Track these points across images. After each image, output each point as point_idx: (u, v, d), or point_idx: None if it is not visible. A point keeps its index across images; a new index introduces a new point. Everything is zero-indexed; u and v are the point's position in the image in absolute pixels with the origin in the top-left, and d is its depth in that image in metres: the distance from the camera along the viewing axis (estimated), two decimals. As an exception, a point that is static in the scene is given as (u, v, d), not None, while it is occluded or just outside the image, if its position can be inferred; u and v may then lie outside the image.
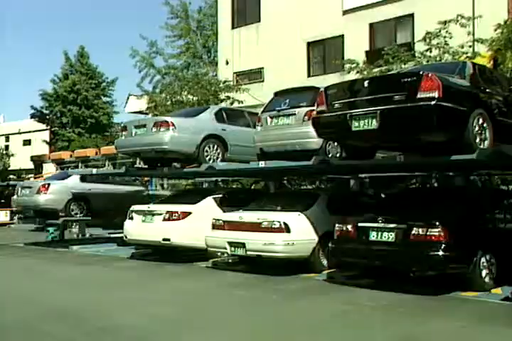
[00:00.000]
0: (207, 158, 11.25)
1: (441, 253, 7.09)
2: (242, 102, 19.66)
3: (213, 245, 9.85)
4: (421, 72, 7.20)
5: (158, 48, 28.39)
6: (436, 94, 6.86)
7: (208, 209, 10.80)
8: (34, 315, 6.44)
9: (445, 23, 13.84)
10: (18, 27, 76.32)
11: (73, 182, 14.64)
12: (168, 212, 10.67)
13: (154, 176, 14.76)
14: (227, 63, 22.88)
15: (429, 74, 7.02)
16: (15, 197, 15.88)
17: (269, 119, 10.46)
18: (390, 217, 7.78)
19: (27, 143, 43.93)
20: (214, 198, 11.20)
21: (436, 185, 13.71)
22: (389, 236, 7.57)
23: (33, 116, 34.23)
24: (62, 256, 12.50)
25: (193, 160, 11.37)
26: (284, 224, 8.97)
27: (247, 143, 11.12)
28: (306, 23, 19.94)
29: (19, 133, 42.63)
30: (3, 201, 22.82)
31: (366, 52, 18.19)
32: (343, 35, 19.32)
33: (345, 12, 19.31)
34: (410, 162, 8.21)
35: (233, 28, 22.98)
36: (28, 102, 71.09)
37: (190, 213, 10.62)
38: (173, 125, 10.96)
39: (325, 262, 9.32)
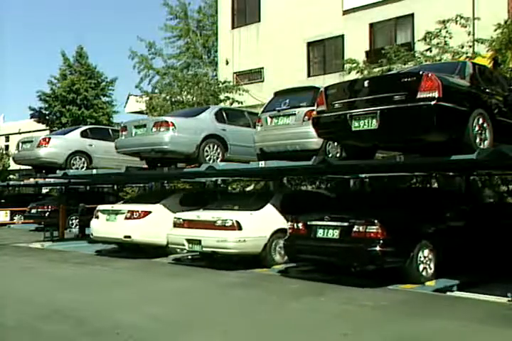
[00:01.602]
0: (207, 158, 11.27)
1: (378, 248, 7.65)
2: (241, 102, 19.66)
3: (174, 242, 10.55)
4: (421, 72, 7.19)
5: (157, 49, 28.30)
6: (436, 94, 6.86)
7: (168, 208, 11.50)
8: (33, 315, 6.45)
9: (444, 22, 13.84)
10: (18, 26, 76.33)
11: (74, 137, 14.73)
12: (129, 211, 11.53)
13: (154, 176, 14.71)
14: (227, 63, 22.88)
15: (429, 74, 7.02)
16: (15, 152, 15.79)
17: (269, 119, 10.46)
18: (336, 215, 8.39)
19: (27, 143, 43.71)
20: (174, 198, 12.01)
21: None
22: (333, 234, 8.21)
23: (32, 117, 34.17)
24: (62, 256, 12.51)
25: (193, 160, 11.37)
26: (236, 222, 9.62)
27: (247, 143, 11.14)
28: (306, 23, 19.92)
29: (19, 133, 42.59)
30: (3, 201, 22.83)
31: (366, 52, 18.17)
32: (343, 35, 19.30)
33: (345, 12, 19.29)
34: (410, 162, 8.21)
35: (233, 27, 22.97)
36: (28, 102, 71.08)
37: (150, 212, 11.42)
38: (173, 125, 10.96)
39: (276, 257, 9.97)
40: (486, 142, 7.47)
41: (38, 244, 14.59)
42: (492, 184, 14.53)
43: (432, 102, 6.85)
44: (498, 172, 12.69)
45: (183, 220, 10.40)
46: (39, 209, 19.86)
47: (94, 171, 13.62)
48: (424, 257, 8.12)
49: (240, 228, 9.62)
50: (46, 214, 19.11)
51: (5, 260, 11.86)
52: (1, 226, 19.12)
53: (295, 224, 8.84)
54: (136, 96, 26.42)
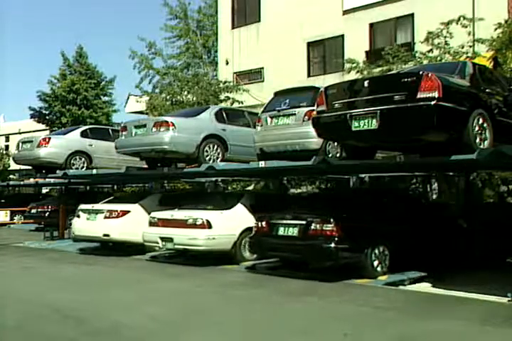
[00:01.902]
0: (207, 158, 11.27)
1: (333, 245, 8.13)
2: (242, 102, 19.66)
3: (149, 240, 10.97)
4: (421, 72, 7.19)
5: (157, 49, 28.29)
6: (436, 94, 6.86)
7: (145, 208, 11.88)
8: (33, 315, 6.45)
9: (448, 23, 13.81)
10: (18, 26, 76.32)
11: (74, 137, 14.79)
12: (108, 210, 11.98)
13: (154, 176, 14.72)
14: (227, 63, 22.88)
15: (429, 74, 7.02)
16: (15, 152, 15.80)
17: (269, 119, 10.45)
18: (296, 214, 8.91)
19: (27, 143, 43.61)
20: (152, 198, 12.49)
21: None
22: (293, 231, 8.72)
23: (32, 117, 34.15)
24: (62, 256, 12.53)
25: (193, 160, 11.37)
26: (207, 221, 10.07)
27: (247, 143, 11.13)
28: (306, 23, 19.93)
29: (19, 133, 42.56)
30: (3, 201, 22.82)
31: (366, 52, 18.18)
32: (343, 35, 19.31)
33: (345, 12, 19.29)
34: (410, 162, 8.21)
35: (233, 27, 22.97)
36: (28, 102, 71.06)
37: (128, 212, 11.85)
38: (173, 125, 10.96)
39: (246, 254, 10.38)
40: (486, 142, 7.46)
41: (22, 244, 14.82)
42: (492, 184, 14.51)
43: (432, 102, 6.85)
44: (498, 172, 12.68)
45: (158, 219, 10.83)
46: (39, 209, 19.86)
47: (94, 171, 13.62)
48: (380, 253, 8.57)
49: (209, 226, 10.04)
50: (46, 214, 19.11)
51: (5, 260, 11.86)
52: (1, 226, 19.10)
53: (259, 223, 9.30)
54: (136, 96, 26.41)
